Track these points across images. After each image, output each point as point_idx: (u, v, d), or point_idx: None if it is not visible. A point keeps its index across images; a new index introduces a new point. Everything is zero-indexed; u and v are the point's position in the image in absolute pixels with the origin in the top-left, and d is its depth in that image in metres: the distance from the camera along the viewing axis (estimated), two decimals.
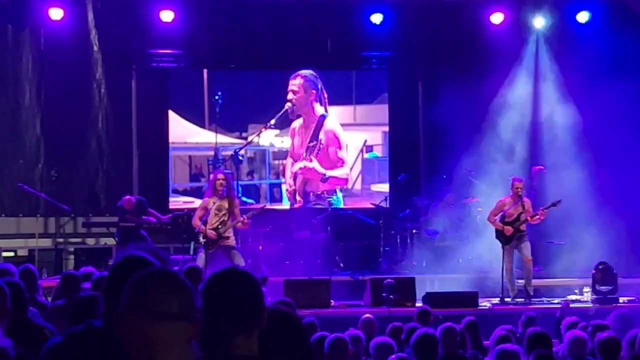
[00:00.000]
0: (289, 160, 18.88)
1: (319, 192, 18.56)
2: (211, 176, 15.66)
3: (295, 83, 18.37)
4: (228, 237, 14.64)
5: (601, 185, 16.85)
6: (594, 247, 16.13)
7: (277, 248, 16.91)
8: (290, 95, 18.33)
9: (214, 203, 14.55)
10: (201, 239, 14.65)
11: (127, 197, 16.60)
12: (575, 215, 16.49)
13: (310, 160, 18.34)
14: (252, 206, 17.76)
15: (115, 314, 2.70)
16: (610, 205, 16.60)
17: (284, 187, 19.06)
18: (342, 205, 18.72)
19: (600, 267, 15.10)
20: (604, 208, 16.60)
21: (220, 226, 14.52)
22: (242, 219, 14.61)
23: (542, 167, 17.55)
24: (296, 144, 18.68)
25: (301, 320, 3.64)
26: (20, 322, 6.05)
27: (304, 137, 18.55)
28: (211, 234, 14.45)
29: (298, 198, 18.54)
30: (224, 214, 14.55)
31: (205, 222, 14.53)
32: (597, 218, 16.49)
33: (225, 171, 16.33)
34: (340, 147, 18.60)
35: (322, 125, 18.53)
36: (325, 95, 18.62)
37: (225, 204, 14.58)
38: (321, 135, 18.55)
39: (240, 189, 17.95)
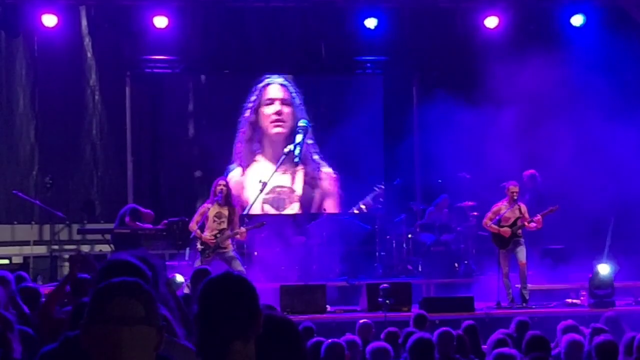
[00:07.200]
0: None
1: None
2: None
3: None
4: (225, 247, 14.51)
5: (600, 189, 16.80)
6: (591, 250, 16.10)
7: (272, 254, 16.87)
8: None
9: (213, 209, 14.47)
10: (199, 246, 14.53)
11: (149, 211, 16.70)
12: (572, 218, 16.46)
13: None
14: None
15: (80, 324, 2.68)
16: (607, 208, 16.59)
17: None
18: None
19: (596, 270, 15.08)
20: (600, 210, 16.58)
21: (218, 234, 14.41)
22: (240, 230, 14.52)
23: (533, 172, 17.48)
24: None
25: (297, 326, 3.61)
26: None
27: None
28: (210, 240, 14.34)
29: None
30: (223, 222, 14.42)
31: (202, 228, 14.46)
32: (594, 221, 16.47)
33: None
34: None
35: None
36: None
37: (225, 212, 14.45)
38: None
39: None
